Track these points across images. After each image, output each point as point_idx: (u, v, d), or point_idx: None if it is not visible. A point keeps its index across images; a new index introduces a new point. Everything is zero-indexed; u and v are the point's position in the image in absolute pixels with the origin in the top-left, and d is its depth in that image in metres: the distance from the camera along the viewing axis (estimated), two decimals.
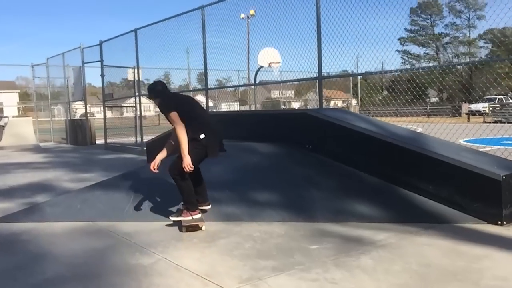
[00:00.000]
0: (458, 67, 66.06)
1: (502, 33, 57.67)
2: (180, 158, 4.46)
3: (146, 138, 14.50)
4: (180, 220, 4.54)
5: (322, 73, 6.72)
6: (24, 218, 5.11)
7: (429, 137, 5.52)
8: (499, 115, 25.58)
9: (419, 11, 67.61)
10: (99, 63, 14.32)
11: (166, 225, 4.75)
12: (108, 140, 14.94)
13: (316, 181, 5.32)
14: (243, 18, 17.20)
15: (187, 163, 4.38)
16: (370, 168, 5.31)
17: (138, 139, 14.27)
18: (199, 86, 14.04)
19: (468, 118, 27.57)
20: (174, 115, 4.40)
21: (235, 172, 5.76)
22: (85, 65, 14.91)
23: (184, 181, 4.56)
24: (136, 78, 13.16)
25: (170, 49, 12.28)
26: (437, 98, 70.35)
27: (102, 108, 14.52)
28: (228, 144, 6.90)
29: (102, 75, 13.71)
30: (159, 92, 4.65)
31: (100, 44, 13.57)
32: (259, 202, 5.03)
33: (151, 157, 9.98)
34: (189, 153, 4.41)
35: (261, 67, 22.05)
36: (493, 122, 23.17)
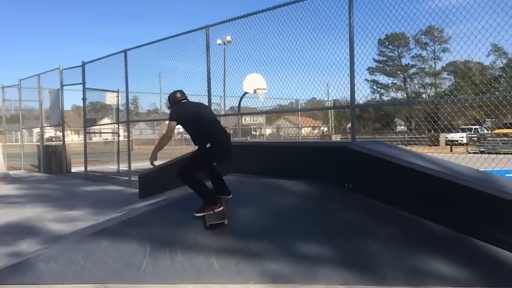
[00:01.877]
0: (423, 96, 67.92)
1: (465, 65, 59.55)
2: (186, 160, 4.99)
3: (125, 166, 13.45)
4: (204, 215, 4.72)
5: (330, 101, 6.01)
6: (12, 279, 4.01)
7: (503, 178, 4.78)
8: (485, 146, 25.50)
9: (387, 43, 69.36)
10: (77, 86, 13.28)
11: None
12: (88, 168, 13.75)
13: (372, 230, 4.46)
14: (219, 44, 16.52)
15: (150, 159, 5.04)
16: (433, 215, 4.50)
17: (120, 168, 13.17)
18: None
19: (451, 148, 27.44)
20: (171, 124, 4.83)
21: (270, 216, 4.85)
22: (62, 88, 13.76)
23: (192, 178, 4.83)
24: (122, 102, 12.17)
25: (156, 74, 11.47)
26: (403, 127, 71.62)
27: (69, 132, 13.35)
28: (252, 181, 6.03)
29: (84, 99, 12.60)
30: (170, 102, 5.18)
31: (83, 65, 12.51)
32: (309, 257, 4.12)
33: (144, 191, 9.03)
34: (195, 157, 4.97)
35: (246, 93, 21.36)
36: (477, 153, 22.99)
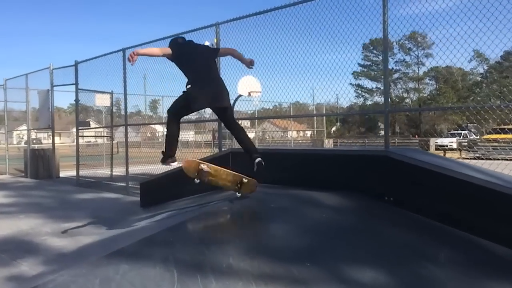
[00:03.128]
0: (406, 101, 68.45)
1: (447, 70, 60.20)
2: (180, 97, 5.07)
3: (118, 171, 12.82)
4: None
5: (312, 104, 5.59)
6: None
7: None
8: (479, 151, 25.38)
9: (371, 47, 69.78)
10: (67, 87, 12.62)
11: None
12: (73, 173, 13.09)
13: (428, 252, 3.96)
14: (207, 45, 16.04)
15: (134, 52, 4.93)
16: (496, 234, 4.03)
17: (113, 173, 12.53)
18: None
19: (444, 153, 27.31)
20: (168, 48, 5.20)
21: (308, 234, 4.31)
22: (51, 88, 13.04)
23: (171, 118, 5.11)
24: (113, 105, 11.50)
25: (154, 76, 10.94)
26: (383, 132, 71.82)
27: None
28: (279, 192, 5.49)
29: (77, 100, 11.91)
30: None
31: (76, 65, 11.82)
32: (365, 285, 3.60)
33: (146, 200, 8.43)
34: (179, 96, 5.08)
35: (240, 96, 20.84)
36: (474, 159, 22.83)
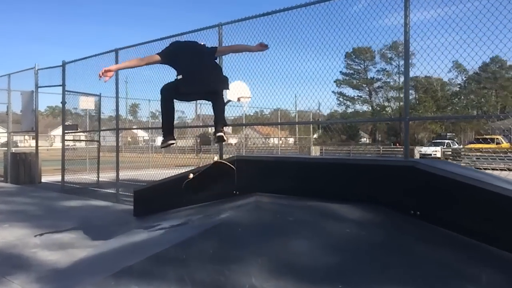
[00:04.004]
0: (387, 109, 69.13)
1: (427, 80, 61.05)
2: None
3: (102, 177, 12.32)
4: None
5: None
6: None
7: None
8: (463, 160, 25.48)
9: (354, 56, 70.52)
10: (51, 88, 12.08)
11: None
12: (55, 178, 12.52)
13: (467, 272, 3.64)
14: None
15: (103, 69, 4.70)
16: None
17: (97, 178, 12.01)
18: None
19: None
20: (154, 57, 4.99)
21: (333, 252, 3.96)
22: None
23: (164, 100, 4.97)
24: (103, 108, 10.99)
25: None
26: (365, 139, 72.67)
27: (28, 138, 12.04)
28: (294, 204, 5.12)
29: (63, 102, 11.36)
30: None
31: (63, 65, 11.28)
32: None
33: (140, 209, 7.96)
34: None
35: (229, 101, 20.49)
36: None
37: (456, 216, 4.21)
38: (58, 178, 13.67)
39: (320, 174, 5.34)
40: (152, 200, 7.59)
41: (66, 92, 11.37)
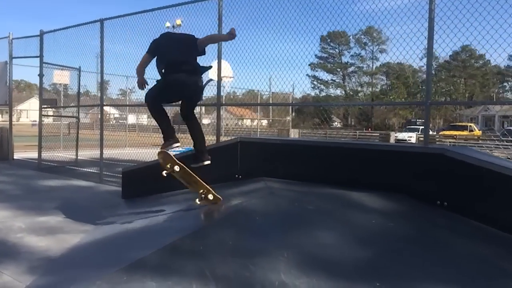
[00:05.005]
0: (360, 94, 69.70)
1: (399, 67, 61.73)
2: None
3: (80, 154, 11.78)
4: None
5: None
6: None
7: None
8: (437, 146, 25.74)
9: (329, 40, 70.48)
10: (23, 60, 11.34)
11: None
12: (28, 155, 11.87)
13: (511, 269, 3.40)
14: (168, 27, 15.14)
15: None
16: None
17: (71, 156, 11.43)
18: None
19: None
20: (144, 56, 5.07)
21: (362, 244, 3.65)
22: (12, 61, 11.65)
23: (152, 108, 5.01)
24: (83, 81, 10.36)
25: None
26: (336, 123, 73.25)
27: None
28: (311, 191, 4.78)
29: (41, 75, 10.63)
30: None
31: (41, 35, 10.52)
32: None
33: (129, 191, 7.49)
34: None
35: (211, 80, 19.98)
36: None
37: (490, 209, 3.96)
38: (30, 155, 13.03)
39: (335, 160, 5.01)
40: (142, 181, 7.12)
41: (44, 64, 10.63)
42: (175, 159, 4.86)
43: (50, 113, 12.31)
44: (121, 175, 9.53)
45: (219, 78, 7.06)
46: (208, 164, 4.88)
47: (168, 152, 4.87)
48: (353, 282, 3.18)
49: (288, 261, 3.37)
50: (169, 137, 4.98)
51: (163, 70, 4.93)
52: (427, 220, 4.07)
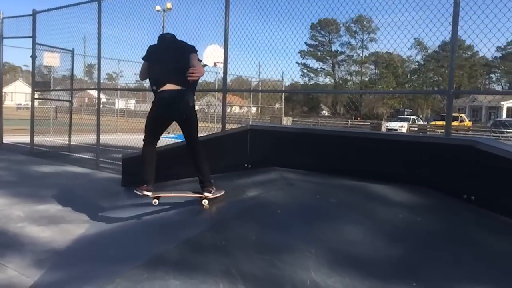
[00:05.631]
0: (349, 83, 69.67)
1: (388, 56, 61.78)
2: None
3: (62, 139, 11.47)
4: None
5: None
6: None
7: None
8: None
9: (319, 28, 70.19)
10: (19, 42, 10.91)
11: None
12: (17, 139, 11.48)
13: None
14: (158, 11, 14.80)
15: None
16: None
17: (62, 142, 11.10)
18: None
19: None
20: (143, 65, 4.80)
21: (391, 240, 3.46)
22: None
23: (143, 148, 4.66)
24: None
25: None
26: (325, 111, 73.22)
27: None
28: (332, 183, 4.58)
29: (33, 56, 10.23)
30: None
31: (34, 14, 10.10)
32: None
33: (129, 179, 7.22)
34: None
35: (205, 65, 19.60)
36: None
37: None
38: (20, 139, 12.66)
39: (353, 150, 4.80)
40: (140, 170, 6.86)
41: (36, 45, 10.22)
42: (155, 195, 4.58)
43: (43, 96, 11.87)
44: (118, 162, 9.28)
45: (225, 63, 6.76)
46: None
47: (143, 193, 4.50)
48: (388, 281, 2.99)
49: (316, 258, 3.18)
50: (145, 181, 4.58)
51: (153, 87, 4.55)
52: (455, 215, 3.90)
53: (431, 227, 3.68)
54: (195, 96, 4.74)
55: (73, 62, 11.12)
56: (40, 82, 10.82)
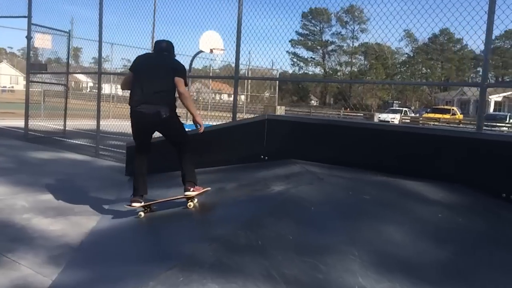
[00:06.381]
0: (339, 74, 69.58)
1: (378, 47, 61.80)
2: None
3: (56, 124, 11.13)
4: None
5: None
6: None
7: None
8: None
9: (310, 17, 69.84)
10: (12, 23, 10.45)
11: None
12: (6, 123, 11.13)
13: None
14: None
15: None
16: None
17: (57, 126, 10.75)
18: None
19: None
20: (128, 75, 4.61)
21: (435, 242, 3.26)
22: None
23: (135, 158, 4.61)
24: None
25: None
26: (313, 101, 73.17)
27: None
28: (364, 179, 4.35)
29: (29, 37, 9.80)
30: None
31: None
32: None
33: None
34: None
35: (201, 51, 19.19)
36: None
37: None
38: (9, 123, 12.26)
39: (385, 144, 4.58)
40: (150, 157, 6.57)
41: (32, 26, 9.79)
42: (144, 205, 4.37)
43: (36, 79, 11.41)
44: (116, 149, 8.99)
45: (238, 50, 6.46)
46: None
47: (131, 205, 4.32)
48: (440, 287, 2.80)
49: (361, 260, 2.96)
50: (134, 193, 4.41)
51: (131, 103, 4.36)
52: (495, 215, 3.71)
53: (473, 228, 3.49)
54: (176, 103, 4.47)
55: (69, 45, 10.70)
56: (36, 65, 10.38)
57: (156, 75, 4.34)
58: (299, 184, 4.00)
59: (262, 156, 5.41)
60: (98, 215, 4.62)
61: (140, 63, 4.52)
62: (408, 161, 4.39)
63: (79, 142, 9.96)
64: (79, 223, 4.39)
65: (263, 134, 5.41)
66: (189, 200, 4.24)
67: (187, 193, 4.24)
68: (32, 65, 10.16)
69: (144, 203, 4.35)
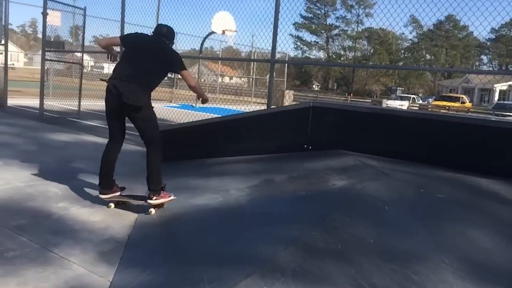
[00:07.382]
0: (342, 58, 68.85)
1: (382, 32, 61.08)
2: None
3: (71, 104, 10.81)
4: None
5: None
6: None
7: None
8: None
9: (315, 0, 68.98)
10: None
11: None
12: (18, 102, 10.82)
13: None
14: None
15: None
16: None
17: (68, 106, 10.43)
18: None
19: None
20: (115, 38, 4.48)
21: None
22: None
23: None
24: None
25: None
26: (314, 86, 72.57)
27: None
28: (427, 174, 4.06)
29: (45, 13, 9.40)
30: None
31: None
32: None
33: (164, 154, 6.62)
34: None
35: (212, 32, 18.70)
36: None
37: None
38: (19, 101, 11.95)
39: (452, 137, 4.27)
40: (180, 143, 6.27)
41: (48, 2, 9.38)
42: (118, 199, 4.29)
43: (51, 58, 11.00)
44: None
45: (275, 33, 6.11)
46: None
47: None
48: None
49: (453, 269, 2.67)
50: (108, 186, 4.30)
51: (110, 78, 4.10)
52: None
53: None
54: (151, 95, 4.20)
55: (84, 22, 10.29)
56: (53, 42, 9.98)
57: (147, 60, 4.08)
58: (363, 180, 3.70)
59: (306, 146, 5.11)
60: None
61: (136, 40, 4.26)
62: (477, 156, 4.09)
63: (95, 124, 9.62)
64: (119, 213, 4.13)
65: (307, 122, 5.10)
66: (152, 207, 4.05)
67: (150, 201, 4.03)
68: (49, 43, 9.76)
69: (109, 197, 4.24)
